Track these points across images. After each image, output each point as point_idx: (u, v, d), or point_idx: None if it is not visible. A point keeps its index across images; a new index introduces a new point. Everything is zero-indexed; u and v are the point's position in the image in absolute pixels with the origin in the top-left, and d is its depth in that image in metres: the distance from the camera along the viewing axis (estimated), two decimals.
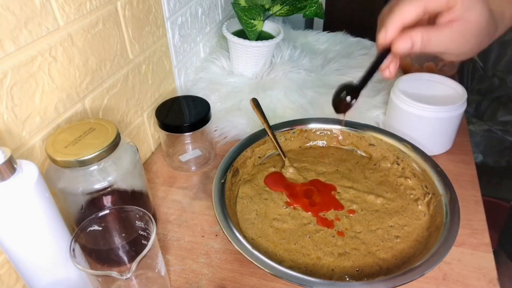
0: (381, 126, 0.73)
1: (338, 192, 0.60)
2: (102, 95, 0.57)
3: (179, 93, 0.79)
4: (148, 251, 0.41)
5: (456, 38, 0.43)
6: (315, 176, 0.62)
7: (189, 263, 0.54)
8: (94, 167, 0.46)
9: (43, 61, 0.46)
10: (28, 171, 0.38)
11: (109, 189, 0.47)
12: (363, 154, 0.67)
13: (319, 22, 1.45)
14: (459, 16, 0.42)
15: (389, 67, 0.47)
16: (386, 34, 0.43)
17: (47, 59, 0.46)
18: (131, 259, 0.50)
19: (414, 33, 0.42)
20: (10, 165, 0.36)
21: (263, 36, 0.83)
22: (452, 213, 0.52)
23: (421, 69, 0.84)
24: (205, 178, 0.68)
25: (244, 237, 0.50)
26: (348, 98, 0.48)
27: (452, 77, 0.74)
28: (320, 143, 0.69)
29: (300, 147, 0.69)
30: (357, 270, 0.50)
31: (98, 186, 0.47)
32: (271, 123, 0.66)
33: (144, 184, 0.55)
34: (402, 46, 0.42)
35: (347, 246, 0.52)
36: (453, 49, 0.44)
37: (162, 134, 0.68)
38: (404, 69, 0.87)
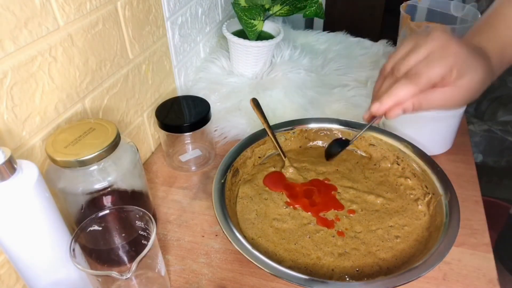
0: (381, 126, 0.73)
1: (338, 192, 0.60)
2: (102, 95, 0.57)
3: (179, 93, 0.79)
4: (148, 251, 0.41)
5: (446, 99, 0.45)
6: (315, 176, 0.62)
7: (189, 263, 0.54)
8: (94, 167, 0.46)
9: (43, 61, 0.46)
10: (28, 171, 0.38)
11: (109, 189, 0.47)
12: (363, 154, 0.67)
13: (319, 22, 1.45)
14: (451, 83, 0.43)
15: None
16: (380, 108, 0.46)
17: (47, 59, 0.46)
18: (131, 259, 0.50)
19: (406, 102, 0.45)
20: (10, 165, 0.36)
21: (263, 36, 0.83)
22: (452, 213, 0.52)
23: None
24: (205, 178, 0.68)
25: (244, 237, 0.50)
26: (339, 150, 0.59)
27: None
28: (320, 143, 0.69)
29: (300, 147, 0.69)
30: (357, 270, 0.50)
31: (98, 186, 0.47)
32: (271, 123, 0.66)
33: (144, 184, 0.55)
34: (395, 114, 0.46)
35: (347, 246, 0.52)
36: (443, 108, 0.47)
37: (162, 134, 0.68)
38: None
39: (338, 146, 0.59)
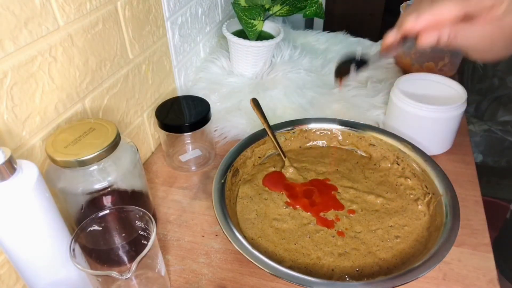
0: (381, 126, 0.73)
1: (338, 192, 0.60)
2: (102, 95, 0.57)
3: (179, 93, 0.79)
4: (148, 251, 0.41)
5: (484, 37, 0.41)
6: (315, 176, 0.62)
7: (189, 263, 0.54)
8: (94, 167, 0.46)
9: (43, 61, 0.46)
10: (28, 171, 0.38)
11: (109, 189, 0.47)
12: (363, 154, 0.67)
13: (319, 22, 1.45)
14: (495, 17, 0.39)
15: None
16: (417, 21, 0.40)
17: (47, 59, 0.46)
18: (131, 259, 0.50)
19: (444, 27, 0.40)
20: (10, 165, 0.36)
21: (263, 36, 0.83)
22: (452, 213, 0.52)
23: (421, 69, 0.84)
24: (205, 178, 0.68)
25: (244, 237, 0.50)
26: (354, 68, 0.48)
27: (452, 77, 0.74)
28: (320, 143, 0.69)
29: (300, 147, 0.69)
30: (357, 270, 0.50)
31: (98, 186, 0.47)
32: (271, 123, 0.67)
33: (144, 184, 0.55)
34: (429, 39, 0.41)
35: (347, 246, 0.52)
36: (478, 47, 0.42)
37: (162, 134, 0.68)
38: (404, 69, 0.87)
39: (350, 63, 0.49)
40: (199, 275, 0.53)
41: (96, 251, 0.49)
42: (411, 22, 0.40)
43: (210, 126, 0.68)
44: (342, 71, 0.49)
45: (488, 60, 0.44)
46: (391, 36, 0.43)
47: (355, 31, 1.05)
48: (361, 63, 0.48)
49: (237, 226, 0.52)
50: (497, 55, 0.43)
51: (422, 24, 0.40)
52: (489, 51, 0.42)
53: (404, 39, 0.42)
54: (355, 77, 0.47)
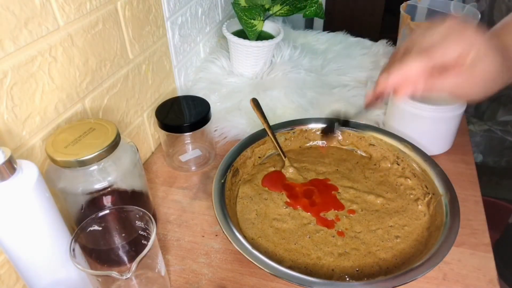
0: (381, 126, 0.73)
1: (338, 192, 0.60)
2: (102, 95, 0.57)
3: (179, 93, 0.79)
4: (148, 251, 0.41)
5: (459, 85, 0.43)
6: (315, 176, 0.62)
7: (189, 263, 0.54)
8: (94, 167, 0.46)
9: (43, 61, 0.46)
10: (28, 171, 0.38)
11: (109, 189, 0.47)
12: (363, 154, 0.67)
13: (319, 22, 1.45)
14: (465, 69, 0.41)
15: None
16: (387, 80, 0.43)
17: (47, 59, 0.46)
18: (131, 259, 0.50)
19: (417, 80, 0.43)
20: (10, 165, 0.36)
21: (263, 36, 0.83)
22: (452, 213, 0.52)
23: None
24: (205, 178, 0.68)
25: (244, 237, 0.50)
26: (339, 129, 0.55)
27: None
28: (320, 143, 0.69)
29: (300, 147, 0.69)
30: (357, 270, 0.50)
31: (98, 186, 0.47)
32: (271, 123, 0.66)
33: (144, 184, 0.55)
34: (404, 91, 0.43)
35: (347, 246, 0.52)
36: (456, 94, 0.44)
37: (162, 134, 0.68)
38: None
39: (335, 124, 0.55)
40: (199, 275, 0.53)
41: (96, 251, 0.49)
42: (383, 82, 0.44)
43: (210, 126, 0.68)
44: (327, 131, 0.55)
45: (469, 102, 0.45)
46: (370, 95, 0.47)
47: (355, 31, 1.05)
48: (345, 122, 0.54)
49: (237, 226, 0.52)
50: (476, 98, 0.45)
51: (392, 82, 0.43)
52: (466, 97, 0.45)
53: (382, 95, 0.46)
54: (339, 135, 0.58)
